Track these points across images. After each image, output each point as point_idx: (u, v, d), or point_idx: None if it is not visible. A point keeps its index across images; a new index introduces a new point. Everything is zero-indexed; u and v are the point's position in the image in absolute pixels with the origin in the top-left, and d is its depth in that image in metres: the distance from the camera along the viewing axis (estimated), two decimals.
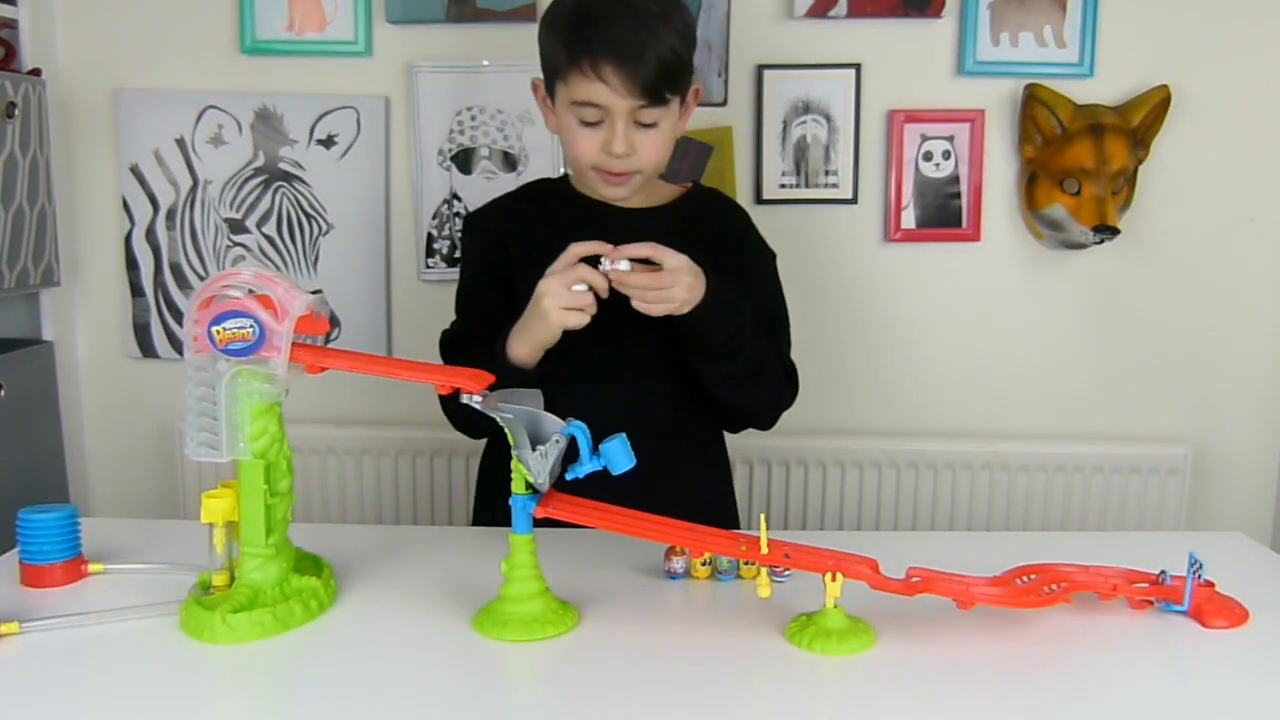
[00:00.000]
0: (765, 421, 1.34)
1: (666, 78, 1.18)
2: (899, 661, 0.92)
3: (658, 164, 1.25)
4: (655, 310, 1.13)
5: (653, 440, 1.24)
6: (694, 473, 1.35)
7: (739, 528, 1.43)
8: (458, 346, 1.31)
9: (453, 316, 1.36)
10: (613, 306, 1.14)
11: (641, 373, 1.28)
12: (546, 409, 0.94)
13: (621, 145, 1.19)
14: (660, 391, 1.29)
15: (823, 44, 1.96)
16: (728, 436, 1.43)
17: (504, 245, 1.31)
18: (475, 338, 1.26)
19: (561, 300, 1.11)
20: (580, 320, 1.12)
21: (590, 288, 1.12)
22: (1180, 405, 2.07)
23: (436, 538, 1.29)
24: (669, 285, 1.12)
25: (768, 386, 1.27)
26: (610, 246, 1.13)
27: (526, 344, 1.16)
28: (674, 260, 1.12)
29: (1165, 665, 0.94)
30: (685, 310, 1.14)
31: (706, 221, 1.34)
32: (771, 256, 1.37)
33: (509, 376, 1.14)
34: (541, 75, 1.27)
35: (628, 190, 1.26)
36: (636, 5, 1.17)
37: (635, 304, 1.13)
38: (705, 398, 1.28)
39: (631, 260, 1.12)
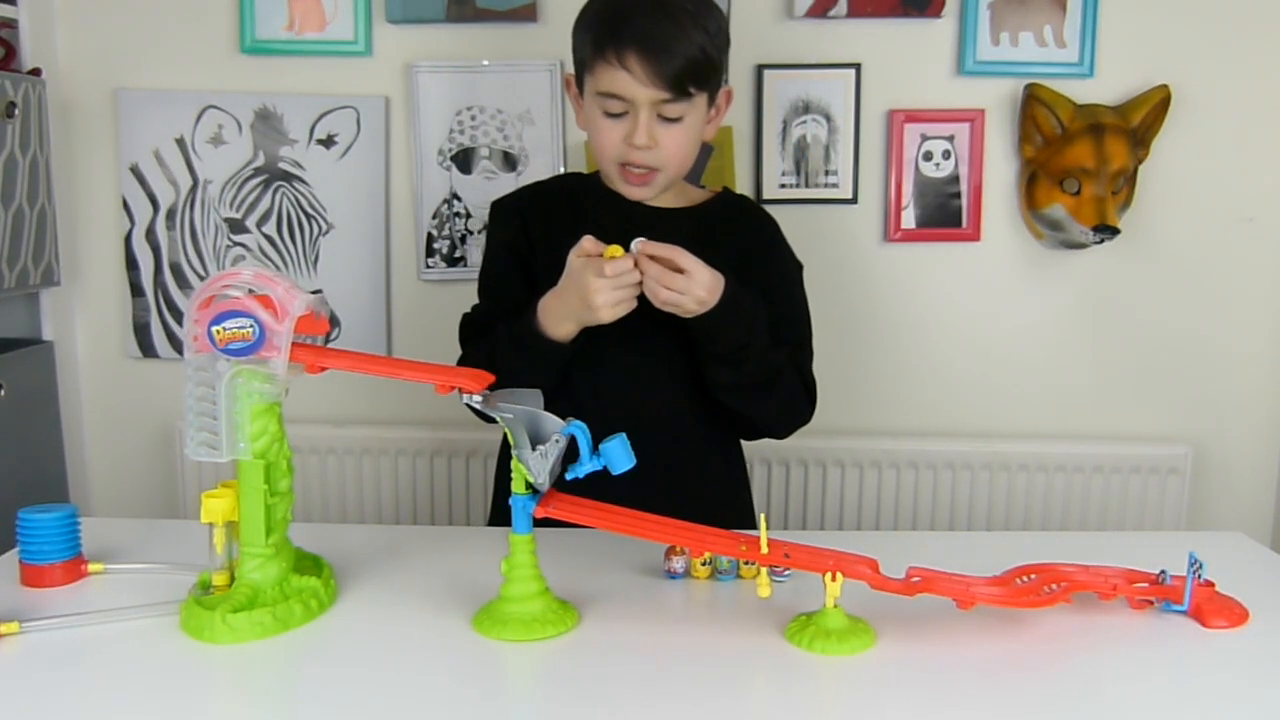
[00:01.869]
0: (776, 433, 1.34)
1: (690, 72, 1.18)
2: (899, 661, 0.92)
3: (681, 162, 1.25)
4: (660, 302, 1.14)
5: (670, 429, 1.26)
6: (710, 464, 1.35)
7: (754, 520, 1.42)
8: (479, 328, 1.31)
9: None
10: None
11: (660, 364, 1.27)
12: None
13: (643, 137, 1.20)
14: (678, 383, 1.28)
15: (823, 44, 1.96)
16: None
17: (528, 231, 1.31)
18: (496, 320, 1.27)
19: (613, 299, 1.13)
20: (628, 308, 1.14)
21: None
22: (1180, 405, 2.07)
23: (436, 538, 1.29)
24: (680, 288, 1.12)
25: (778, 401, 1.26)
26: (602, 245, 1.13)
27: (571, 324, 1.17)
28: (694, 269, 1.12)
29: (1165, 665, 0.94)
30: (693, 315, 1.15)
31: (732, 227, 1.33)
32: (798, 269, 1.36)
33: (546, 350, 1.18)
34: (574, 72, 1.28)
35: (651, 190, 1.26)
36: (668, 2, 1.18)
37: (645, 286, 1.13)
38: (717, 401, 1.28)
39: (657, 261, 1.13)
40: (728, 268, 1.19)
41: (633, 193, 1.27)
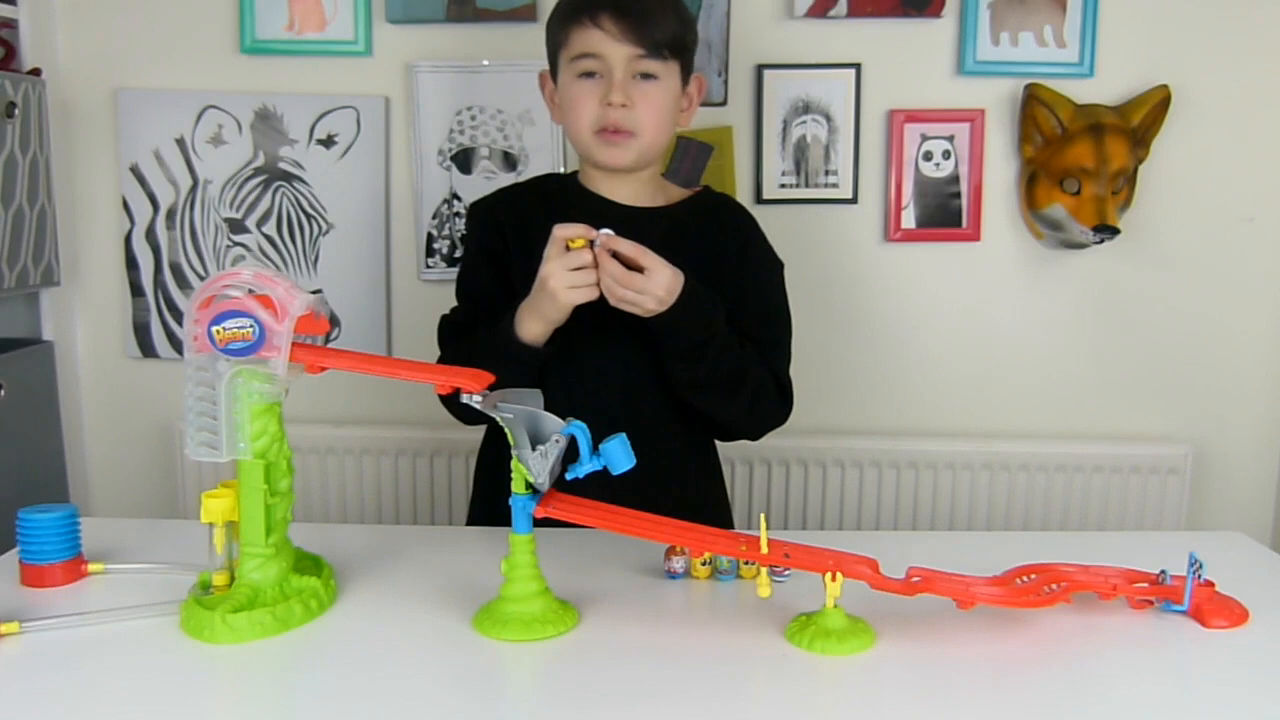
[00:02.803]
0: (746, 434, 1.33)
1: (664, 34, 1.21)
2: (899, 661, 0.92)
3: (656, 129, 1.26)
4: (616, 300, 1.14)
5: (643, 432, 1.25)
6: (685, 467, 1.34)
7: (731, 524, 1.42)
8: (456, 330, 1.32)
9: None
10: (606, 309, 1.15)
11: (633, 368, 1.27)
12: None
13: (620, 95, 1.21)
14: (650, 386, 1.28)
15: (823, 44, 1.96)
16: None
17: (503, 233, 1.32)
18: (473, 321, 1.28)
19: (565, 280, 1.13)
20: (587, 295, 1.14)
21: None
22: (1180, 405, 2.07)
23: (436, 538, 1.29)
24: (638, 288, 1.13)
25: (743, 400, 1.26)
26: (592, 230, 1.14)
27: (538, 323, 1.18)
28: (654, 268, 1.13)
29: (1165, 665, 0.94)
30: (652, 314, 1.16)
31: (710, 225, 1.33)
32: (779, 267, 1.36)
33: (517, 354, 1.18)
34: (548, 66, 1.30)
35: (626, 156, 1.26)
36: None
37: (602, 284, 1.14)
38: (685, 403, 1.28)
39: (620, 260, 1.13)
40: (701, 266, 1.19)
41: (611, 157, 1.26)
